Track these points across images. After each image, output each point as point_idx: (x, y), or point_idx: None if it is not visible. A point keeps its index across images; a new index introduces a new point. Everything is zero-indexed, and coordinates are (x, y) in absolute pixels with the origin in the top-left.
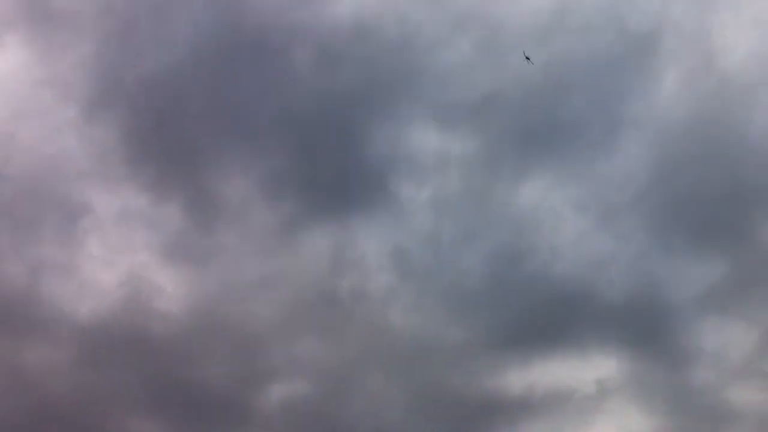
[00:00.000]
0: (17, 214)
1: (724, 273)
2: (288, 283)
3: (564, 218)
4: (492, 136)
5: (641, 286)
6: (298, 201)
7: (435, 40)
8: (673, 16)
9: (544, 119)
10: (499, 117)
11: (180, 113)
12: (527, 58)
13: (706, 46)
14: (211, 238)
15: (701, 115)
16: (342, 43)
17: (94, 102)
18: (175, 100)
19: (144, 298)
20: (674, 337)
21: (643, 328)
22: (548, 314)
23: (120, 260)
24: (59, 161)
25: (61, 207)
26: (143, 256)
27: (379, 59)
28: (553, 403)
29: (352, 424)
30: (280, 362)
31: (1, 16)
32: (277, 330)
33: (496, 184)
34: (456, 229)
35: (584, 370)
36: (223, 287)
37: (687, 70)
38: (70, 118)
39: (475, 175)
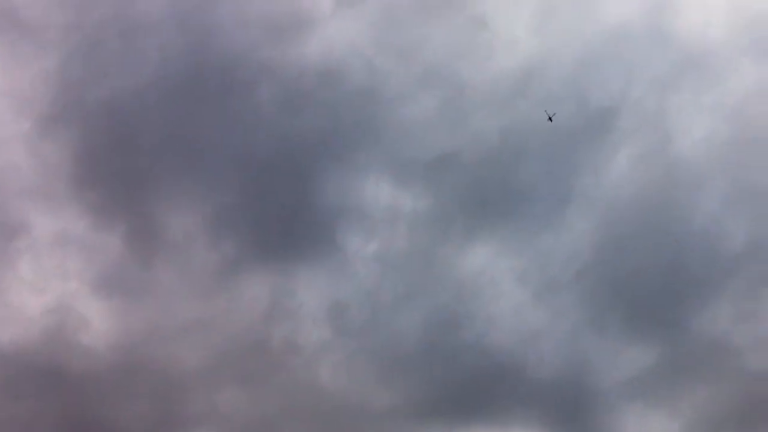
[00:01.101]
0: None
1: (653, 361)
2: (220, 328)
3: (503, 288)
4: (443, 197)
5: (571, 365)
6: (242, 243)
7: (399, 94)
8: (634, 95)
9: (497, 186)
10: (453, 178)
11: (135, 140)
12: (550, 118)
13: (662, 128)
14: (147, 273)
15: (649, 198)
16: (307, 86)
17: (50, 118)
18: (132, 126)
19: (69, 329)
20: (597, 421)
21: (568, 409)
22: (476, 385)
23: (50, 286)
24: (3, 174)
25: None
26: (74, 284)
27: (342, 107)
28: None
29: None
30: (200, 409)
31: None
32: (201, 375)
33: (442, 246)
34: (397, 288)
35: None
36: (152, 326)
37: (641, 150)
38: (22, 131)
39: (422, 234)
